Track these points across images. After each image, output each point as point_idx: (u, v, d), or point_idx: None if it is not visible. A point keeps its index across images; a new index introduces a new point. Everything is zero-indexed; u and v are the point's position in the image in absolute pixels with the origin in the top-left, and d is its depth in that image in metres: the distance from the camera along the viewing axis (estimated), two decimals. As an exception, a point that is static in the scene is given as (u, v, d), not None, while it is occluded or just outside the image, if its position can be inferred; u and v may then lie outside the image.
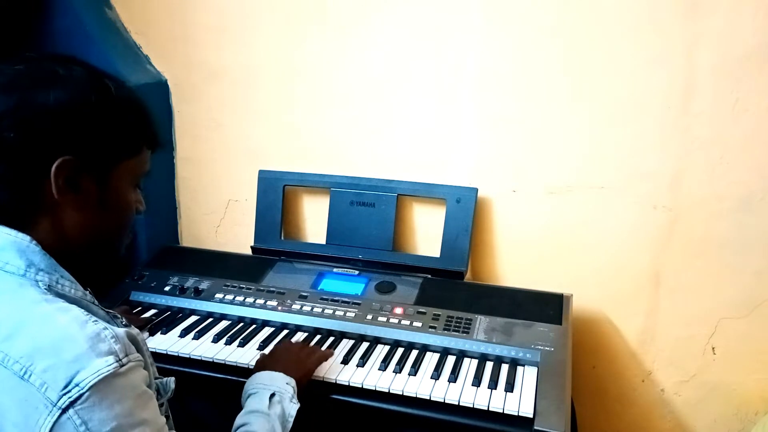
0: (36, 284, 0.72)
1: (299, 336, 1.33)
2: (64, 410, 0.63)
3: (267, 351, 1.26)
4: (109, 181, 0.78)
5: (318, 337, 1.33)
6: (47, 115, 0.71)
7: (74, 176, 0.74)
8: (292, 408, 1.03)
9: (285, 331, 1.35)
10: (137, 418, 0.68)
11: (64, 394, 0.63)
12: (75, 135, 0.73)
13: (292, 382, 1.07)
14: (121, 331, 0.71)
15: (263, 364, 1.13)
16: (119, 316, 0.83)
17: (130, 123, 0.79)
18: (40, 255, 0.73)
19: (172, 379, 0.89)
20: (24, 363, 0.65)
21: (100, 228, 0.79)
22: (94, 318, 0.70)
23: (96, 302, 0.80)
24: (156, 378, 0.85)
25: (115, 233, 0.83)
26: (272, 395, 1.02)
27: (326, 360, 1.20)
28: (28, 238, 0.73)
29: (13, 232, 0.73)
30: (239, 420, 0.98)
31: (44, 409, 0.63)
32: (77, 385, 0.64)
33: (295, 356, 1.16)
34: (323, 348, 1.26)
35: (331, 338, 1.32)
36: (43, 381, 0.64)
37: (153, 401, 0.74)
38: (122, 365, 0.68)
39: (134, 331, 0.81)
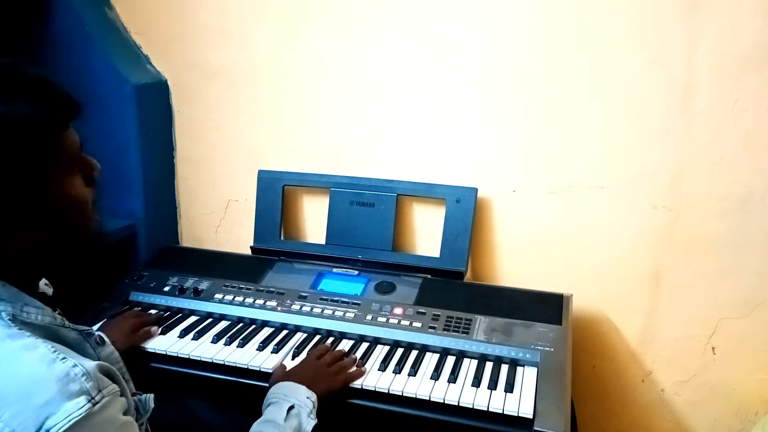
0: None
1: (299, 337, 1.33)
2: None
3: (270, 346, 1.26)
4: (46, 195, 0.72)
5: (318, 337, 1.33)
6: None
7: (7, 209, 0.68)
8: (309, 424, 1.02)
9: (284, 332, 1.35)
10: None
11: None
12: None
13: (313, 396, 1.06)
14: (91, 365, 0.68)
15: (290, 374, 1.13)
16: (93, 332, 0.80)
17: (29, 132, 0.69)
18: (0, 286, 0.71)
19: (151, 396, 0.85)
20: None
21: (62, 235, 0.75)
22: (63, 355, 0.67)
23: (66, 324, 0.77)
24: (134, 394, 0.82)
25: (77, 229, 0.77)
26: (291, 407, 1.02)
27: (356, 379, 1.16)
28: None
29: None
30: (254, 428, 0.98)
31: None
32: (48, 430, 0.61)
33: (323, 371, 1.15)
34: (357, 356, 1.24)
35: (331, 338, 1.32)
36: (12, 429, 0.61)
37: (134, 429, 0.72)
38: (95, 403, 0.65)
39: (109, 349, 0.79)
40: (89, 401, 0.64)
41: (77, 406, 0.63)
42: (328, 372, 1.15)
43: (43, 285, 0.90)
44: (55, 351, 0.67)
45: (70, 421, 0.62)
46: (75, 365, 0.66)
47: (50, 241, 0.74)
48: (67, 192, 0.74)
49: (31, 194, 0.70)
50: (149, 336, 1.31)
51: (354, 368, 1.19)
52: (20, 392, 0.62)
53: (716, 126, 1.31)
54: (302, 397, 1.05)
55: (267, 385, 1.14)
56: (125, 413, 0.71)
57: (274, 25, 1.55)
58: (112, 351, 0.81)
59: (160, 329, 1.33)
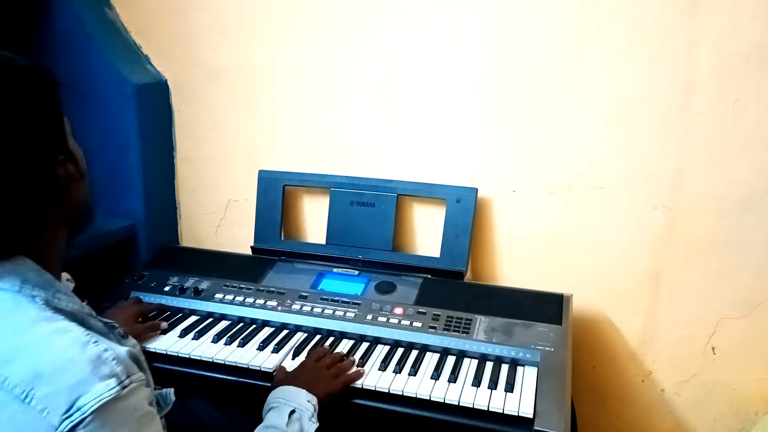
0: (33, 300, 0.70)
1: (299, 336, 1.33)
2: None
3: (270, 346, 1.26)
4: (67, 145, 0.76)
5: (318, 337, 1.33)
6: None
7: (63, 169, 0.74)
8: (311, 427, 1.02)
9: (285, 331, 1.35)
10: None
11: (66, 418, 0.62)
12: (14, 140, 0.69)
13: (314, 400, 1.07)
14: (122, 350, 0.70)
15: (290, 377, 1.13)
16: (117, 325, 0.82)
17: (40, 95, 0.73)
18: (34, 271, 0.73)
19: (171, 390, 0.87)
20: (24, 387, 0.64)
21: (81, 198, 0.79)
22: (95, 338, 0.69)
23: (93, 314, 0.79)
24: (155, 389, 0.83)
25: (88, 193, 0.81)
26: (292, 412, 1.02)
27: (355, 381, 1.17)
28: (20, 257, 0.72)
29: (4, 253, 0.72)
30: None
31: None
32: (79, 409, 0.63)
33: (322, 374, 1.15)
34: (356, 358, 1.24)
35: (331, 338, 1.32)
36: (44, 406, 0.63)
37: (156, 420, 0.73)
38: (124, 387, 0.66)
39: (132, 342, 0.80)
40: (119, 384, 0.66)
41: (107, 388, 0.65)
42: (327, 374, 1.15)
43: (65, 280, 0.91)
44: (87, 334, 0.69)
45: (100, 401, 0.64)
46: (106, 349, 0.68)
47: (73, 206, 0.77)
48: (76, 148, 0.79)
49: (59, 143, 0.74)
50: (157, 328, 1.32)
51: (353, 370, 1.19)
52: (54, 374, 0.64)
53: (716, 126, 1.31)
54: (303, 401, 1.05)
55: (267, 384, 1.15)
56: (149, 404, 0.73)
57: (274, 25, 1.55)
58: (135, 344, 0.82)
59: (167, 324, 1.34)
